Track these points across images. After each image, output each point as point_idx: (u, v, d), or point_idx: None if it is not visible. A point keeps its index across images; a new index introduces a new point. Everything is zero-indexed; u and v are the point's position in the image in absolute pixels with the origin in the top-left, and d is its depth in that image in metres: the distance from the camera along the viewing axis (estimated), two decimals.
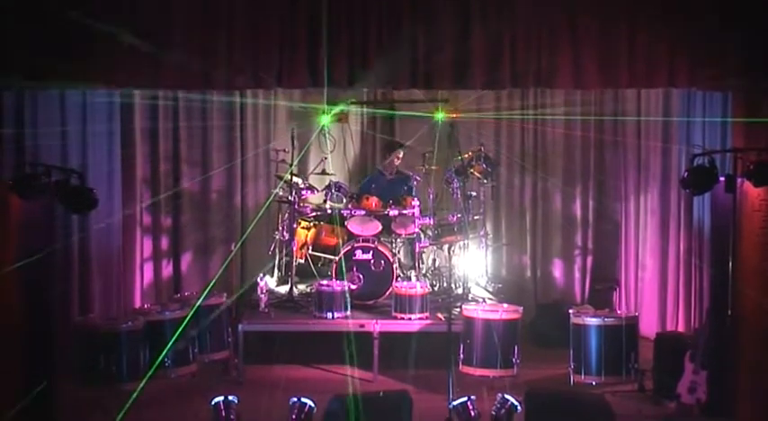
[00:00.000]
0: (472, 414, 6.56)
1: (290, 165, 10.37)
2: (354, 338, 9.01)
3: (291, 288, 10.15)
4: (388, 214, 10.29)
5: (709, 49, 7.66)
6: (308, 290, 10.32)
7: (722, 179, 7.55)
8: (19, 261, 7.30)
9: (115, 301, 9.77)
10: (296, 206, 10.30)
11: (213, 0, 7.74)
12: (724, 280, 7.66)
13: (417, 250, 10.43)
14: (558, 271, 11.38)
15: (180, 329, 8.60)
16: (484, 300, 9.98)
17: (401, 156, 10.93)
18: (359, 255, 9.86)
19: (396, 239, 10.55)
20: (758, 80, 7.60)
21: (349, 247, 9.94)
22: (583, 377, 8.70)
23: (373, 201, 10.40)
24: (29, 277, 7.37)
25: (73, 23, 7.47)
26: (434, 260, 10.87)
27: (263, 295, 9.60)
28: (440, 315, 9.29)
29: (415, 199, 10.33)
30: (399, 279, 9.93)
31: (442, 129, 10.16)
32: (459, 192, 10.48)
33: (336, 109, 10.87)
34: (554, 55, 7.72)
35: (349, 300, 9.40)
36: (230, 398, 6.49)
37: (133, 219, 10.23)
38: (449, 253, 10.45)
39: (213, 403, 6.49)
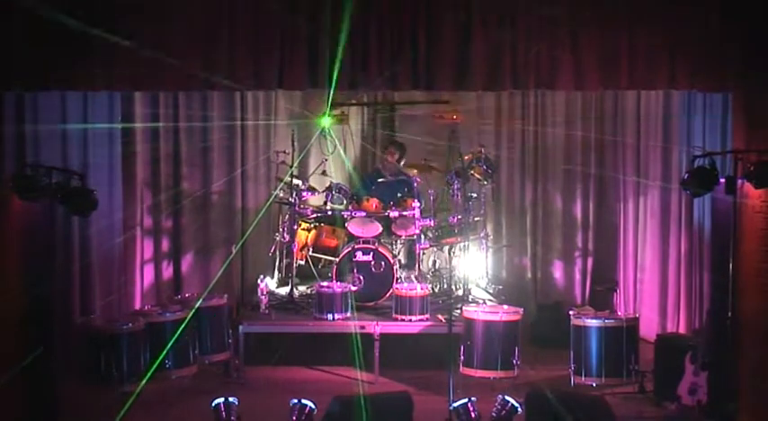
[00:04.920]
0: (473, 415, 6.56)
1: (291, 167, 10.38)
2: (355, 340, 9.01)
3: (292, 289, 10.16)
4: (388, 215, 10.29)
5: (710, 50, 7.66)
6: (309, 291, 10.32)
7: (723, 180, 7.55)
8: (19, 262, 7.30)
9: (116, 303, 9.76)
10: (296, 207, 10.31)
11: (214, 1, 7.73)
12: (724, 281, 7.64)
13: (418, 251, 10.43)
14: (558, 272, 11.37)
15: (180, 330, 8.60)
16: (484, 302, 9.99)
17: (394, 153, 10.92)
18: (359, 256, 9.87)
19: (396, 241, 10.56)
20: (758, 81, 7.60)
21: (349, 249, 9.94)
22: (583, 378, 8.70)
23: (374, 203, 10.40)
24: (30, 278, 7.37)
25: (74, 24, 7.47)
26: (435, 261, 10.87)
27: (263, 296, 9.60)
28: (440, 316, 9.29)
29: (416, 200, 10.33)
30: (400, 280, 9.93)
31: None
32: (459, 194, 10.48)
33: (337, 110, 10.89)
34: (554, 56, 7.72)
35: (350, 301, 9.41)
36: (231, 399, 6.50)
37: (134, 220, 10.22)
38: (449, 254, 10.47)
39: (214, 404, 6.49)
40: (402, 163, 10.99)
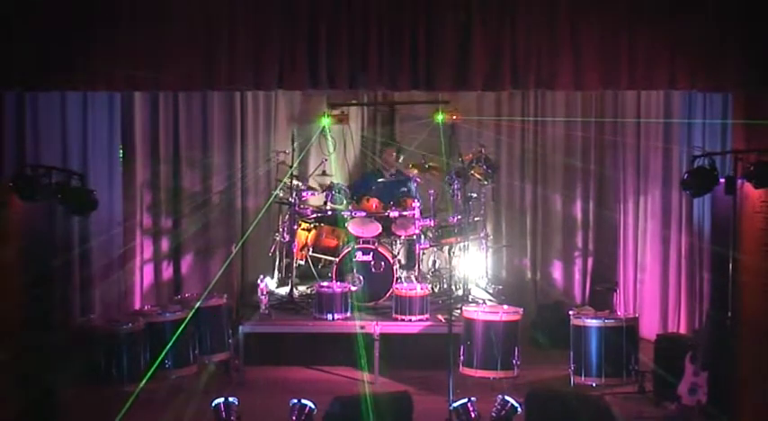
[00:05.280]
0: (473, 415, 6.56)
1: (291, 167, 10.38)
2: (355, 340, 9.02)
3: (292, 289, 10.16)
4: (388, 215, 10.30)
5: (710, 50, 7.65)
6: (309, 291, 10.32)
7: (722, 181, 7.55)
8: (19, 262, 7.30)
9: (116, 303, 9.77)
10: (296, 207, 10.31)
11: (214, 1, 7.73)
12: (724, 281, 7.65)
13: (418, 251, 10.43)
14: (558, 272, 11.38)
15: (180, 331, 8.60)
16: (484, 302, 9.98)
17: (394, 154, 10.95)
18: (359, 256, 9.87)
19: (396, 241, 10.56)
20: (758, 81, 7.60)
21: (349, 249, 9.94)
22: (583, 378, 8.70)
23: (374, 203, 10.41)
24: (30, 278, 7.37)
25: (74, 24, 7.47)
26: (435, 261, 10.88)
27: (263, 297, 9.60)
28: (440, 316, 9.29)
29: (416, 200, 10.33)
30: (400, 280, 9.93)
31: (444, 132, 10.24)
32: (459, 194, 10.48)
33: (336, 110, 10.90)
34: (554, 56, 7.70)
35: (350, 301, 9.41)
36: (231, 399, 6.50)
37: (133, 220, 10.22)
38: (449, 254, 10.46)
39: (214, 404, 6.50)
40: (399, 160, 11.01)
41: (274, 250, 10.73)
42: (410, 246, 10.75)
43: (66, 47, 7.49)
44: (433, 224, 10.41)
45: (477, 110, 11.43)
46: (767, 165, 7.20)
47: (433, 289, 10.13)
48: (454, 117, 10.72)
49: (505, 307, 9.13)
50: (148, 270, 10.51)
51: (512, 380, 8.61)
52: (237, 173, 11.04)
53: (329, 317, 9.31)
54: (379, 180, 10.87)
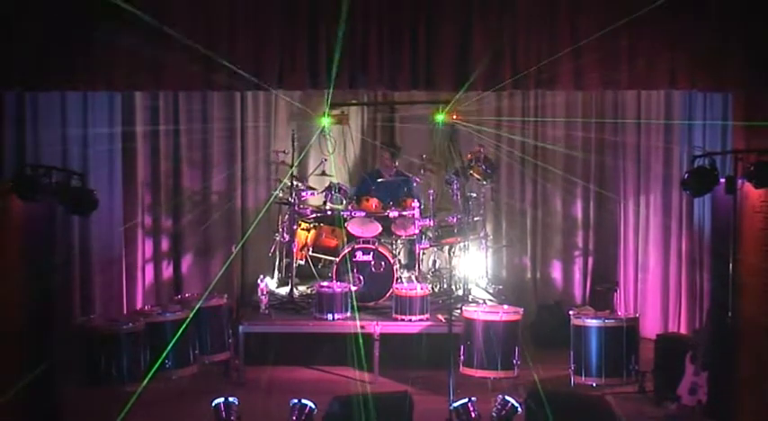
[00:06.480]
0: (473, 415, 6.56)
1: (291, 167, 10.38)
2: (356, 340, 9.02)
3: (292, 289, 10.15)
4: (388, 215, 10.29)
5: (710, 50, 7.66)
6: (309, 291, 10.32)
7: (723, 180, 7.55)
8: (20, 263, 7.30)
9: (116, 303, 9.77)
10: (296, 207, 10.31)
11: (214, 1, 7.73)
12: (724, 281, 7.65)
13: (418, 251, 10.43)
14: (558, 272, 11.37)
15: (180, 331, 8.60)
16: (484, 302, 9.98)
17: (388, 157, 10.95)
18: (359, 256, 9.87)
19: (396, 241, 10.56)
20: (758, 81, 7.60)
21: (349, 249, 9.94)
22: (583, 378, 8.69)
23: (373, 203, 10.40)
24: (30, 279, 7.37)
25: (74, 24, 7.48)
26: (435, 261, 10.87)
27: (263, 296, 9.60)
28: (440, 316, 9.29)
29: (416, 200, 10.33)
30: (400, 280, 9.93)
31: (443, 132, 10.23)
32: (459, 194, 10.48)
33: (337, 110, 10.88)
34: (554, 56, 7.72)
35: (350, 301, 9.41)
36: (231, 399, 6.50)
37: (134, 220, 10.22)
38: (449, 254, 10.46)
39: (214, 404, 6.50)
40: (396, 163, 11.01)
41: (274, 250, 10.73)
42: (410, 246, 10.74)
43: (66, 47, 7.50)
44: (432, 224, 10.41)
45: (477, 110, 11.43)
46: (767, 165, 7.20)
47: (433, 289, 10.12)
48: (454, 117, 10.71)
49: (505, 307, 9.12)
50: (149, 270, 10.52)
51: (512, 380, 8.60)
52: (237, 173, 11.04)
53: (329, 317, 9.31)
54: (379, 180, 10.86)
